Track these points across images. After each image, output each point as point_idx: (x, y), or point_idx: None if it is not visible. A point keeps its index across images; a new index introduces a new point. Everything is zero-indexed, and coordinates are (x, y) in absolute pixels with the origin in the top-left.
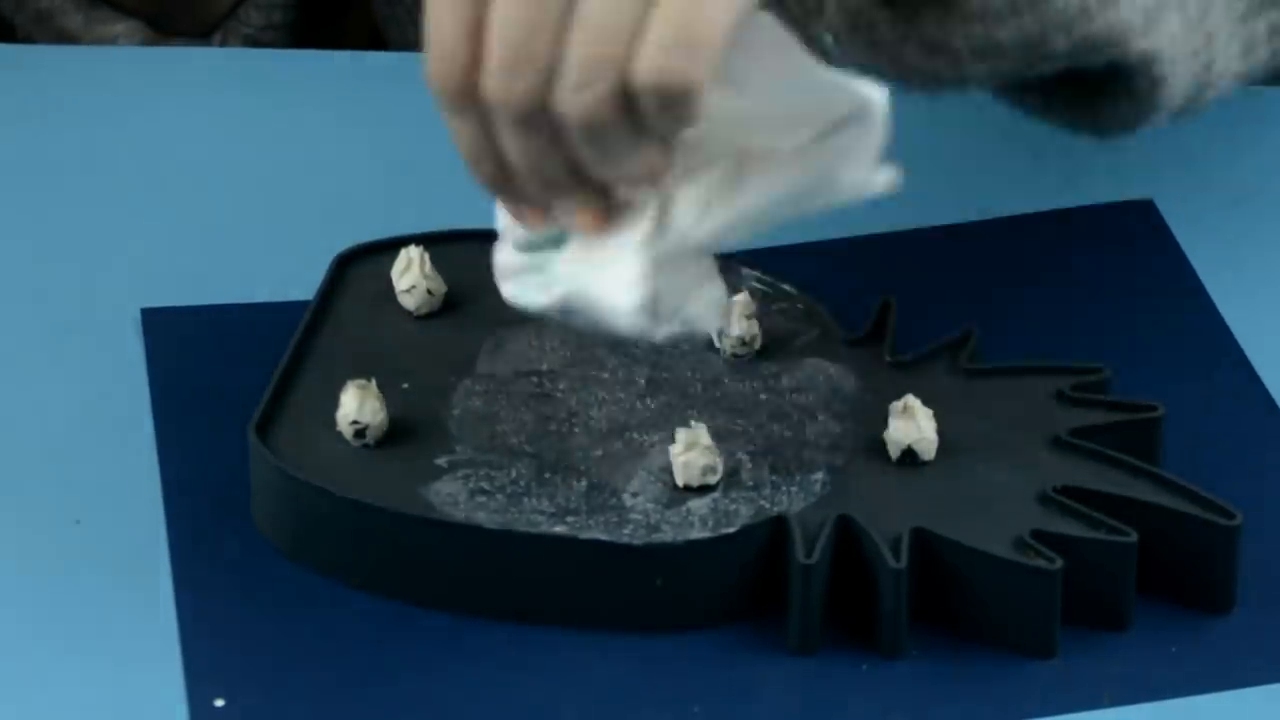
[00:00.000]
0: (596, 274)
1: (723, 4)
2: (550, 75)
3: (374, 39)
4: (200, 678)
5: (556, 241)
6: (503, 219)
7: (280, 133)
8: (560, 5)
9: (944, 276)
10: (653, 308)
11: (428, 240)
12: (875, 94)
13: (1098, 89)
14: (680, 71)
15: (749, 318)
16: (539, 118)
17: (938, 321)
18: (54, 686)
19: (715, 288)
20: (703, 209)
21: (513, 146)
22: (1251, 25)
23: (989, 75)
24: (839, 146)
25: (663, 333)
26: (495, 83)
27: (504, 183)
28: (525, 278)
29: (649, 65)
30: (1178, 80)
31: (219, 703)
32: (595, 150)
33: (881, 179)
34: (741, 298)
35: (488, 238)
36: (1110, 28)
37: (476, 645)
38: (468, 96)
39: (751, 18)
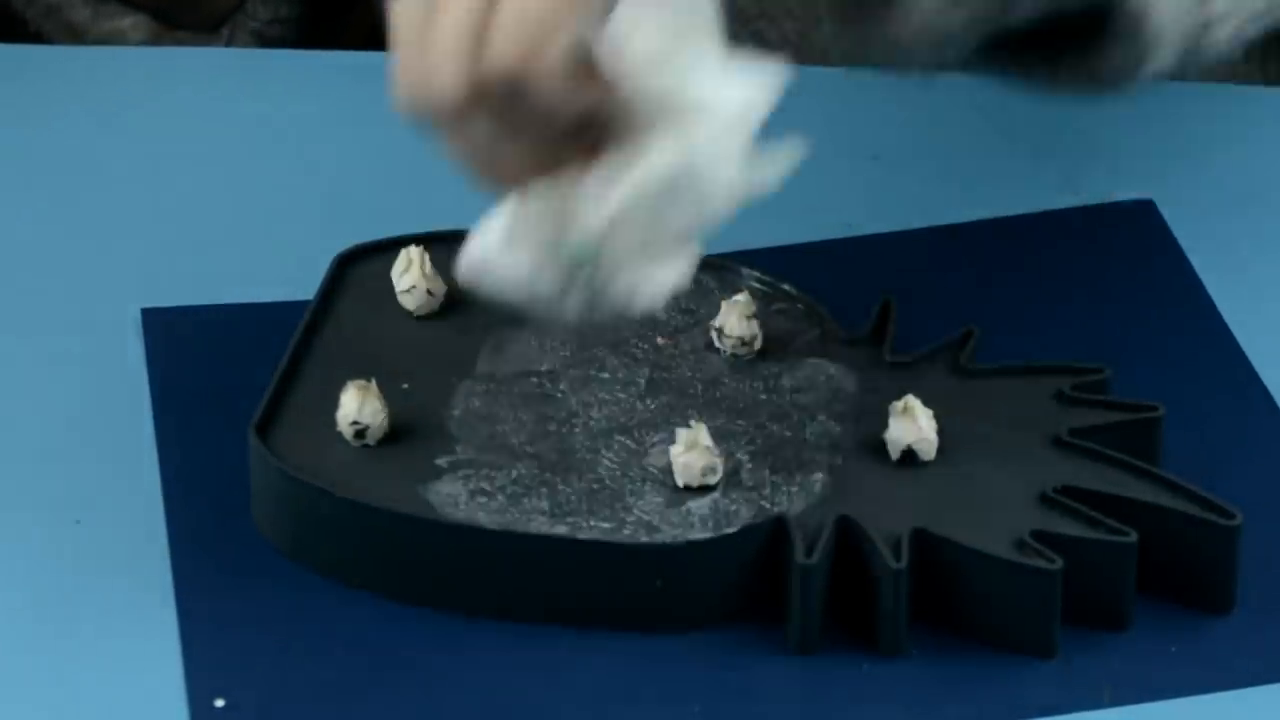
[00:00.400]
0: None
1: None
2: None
3: (376, 34)
4: (200, 678)
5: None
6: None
7: (280, 133)
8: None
9: (944, 276)
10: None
11: (428, 240)
12: (756, 91)
13: (1083, 43)
14: (522, 54)
15: (749, 318)
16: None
17: (938, 321)
18: (54, 686)
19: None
20: (606, 184)
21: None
22: None
23: (965, 31)
24: (718, 144)
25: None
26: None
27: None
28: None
29: (491, 55)
30: (1161, 13)
31: (219, 703)
32: (469, 142)
33: (759, 177)
34: (741, 298)
35: None
36: None
37: (476, 645)
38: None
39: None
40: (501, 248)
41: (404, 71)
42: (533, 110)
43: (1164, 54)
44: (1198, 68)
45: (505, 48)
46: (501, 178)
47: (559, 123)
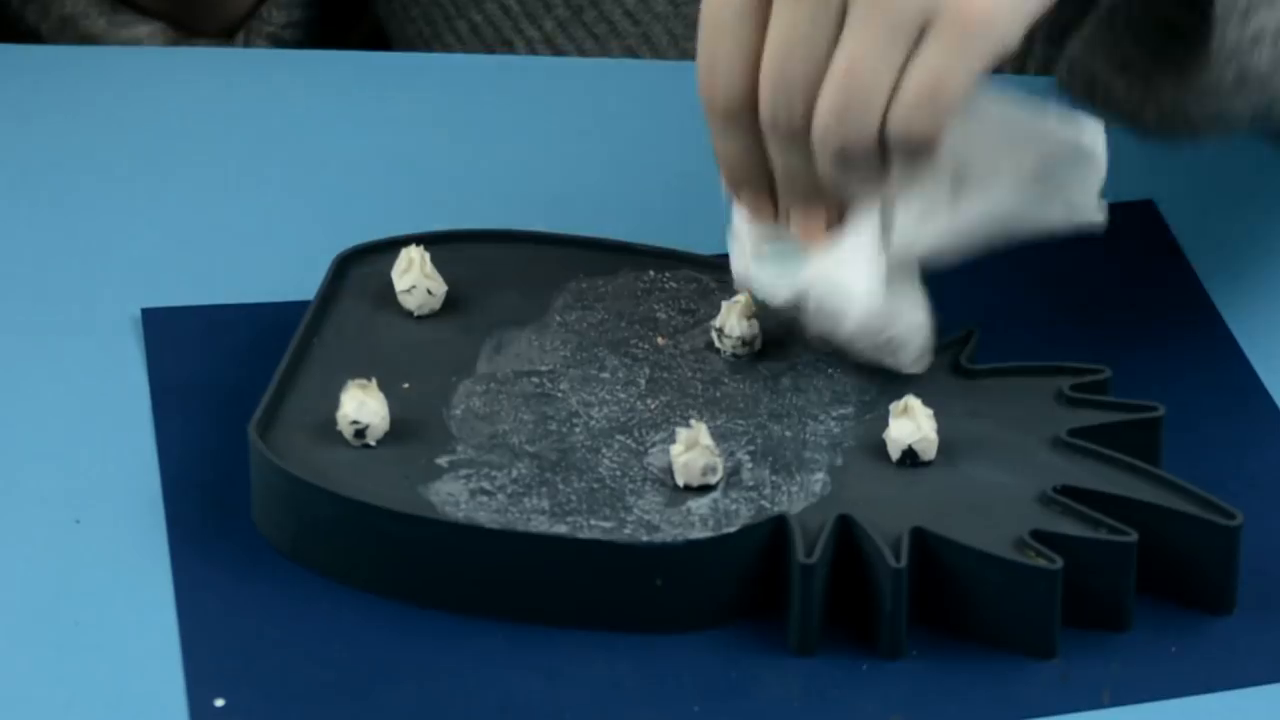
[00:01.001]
0: (835, 275)
1: (970, 65)
2: (814, 103)
3: (379, 35)
4: (200, 678)
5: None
6: (739, 221)
7: (280, 133)
8: (829, 39)
9: (944, 276)
10: (877, 318)
11: (428, 240)
12: (1096, 135)
13: None
14: (924, 125)
15: (749, 318)
16: (801, 139)
17: (938, 322)
18: (54, 686)
19: (920, 313)
20: (921, 221)
21: (775, 160)
22: None
23: (1224, 135)
24: (1055, 178)
25: (871, 346)
26: (767, 108)
27: (752, 187)
28: (766, 273)
29: (898, 117)
30: None
31: (219, 703)
32: (841, 172)
33: (1092, 214)
34: (742, 298)
35: (488, 238)
36: None
37: (476, 645)
38: (734, 114)
39: None
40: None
41: (732, 78)
42: (911, 161)
43: None
44: None
45: (916, 119)
46: (756, 191)
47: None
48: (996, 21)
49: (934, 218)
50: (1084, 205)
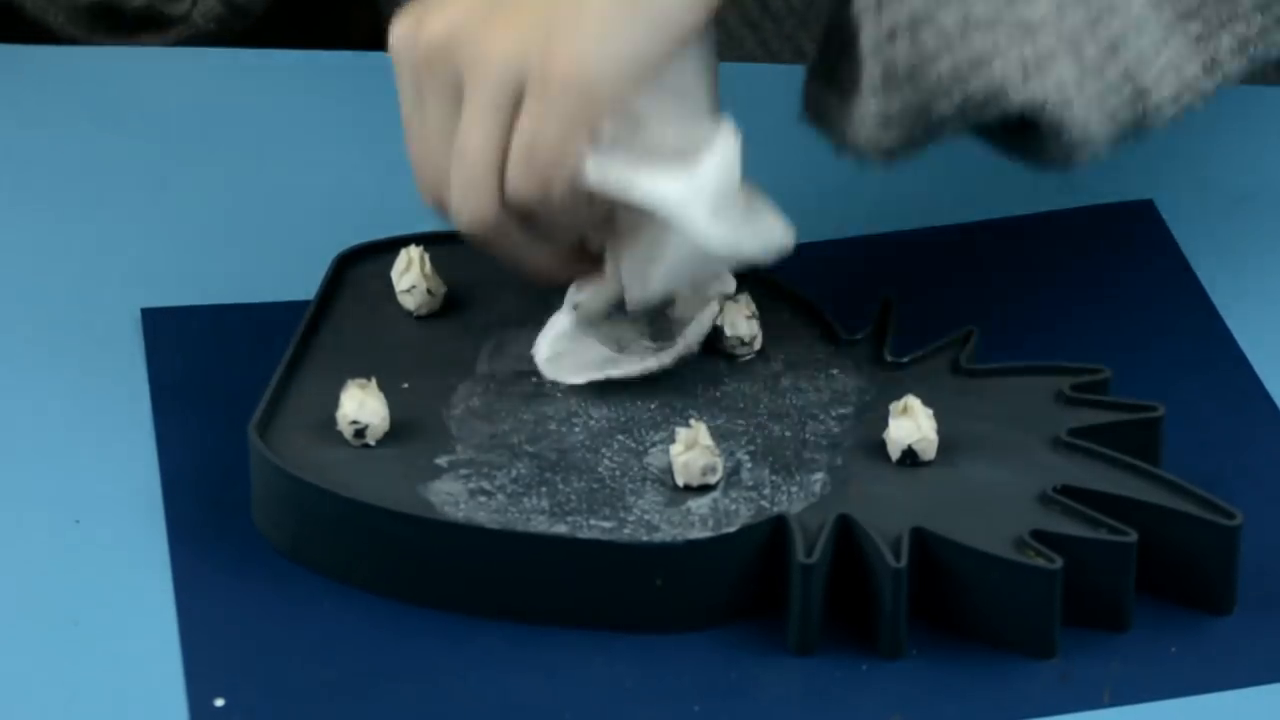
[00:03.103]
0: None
1: (563, 124)
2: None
3: (377, 34)
4: (200, 678)
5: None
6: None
7: (280, 133)
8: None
9: (944, 276)
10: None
11: (428, 240)
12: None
13: (1024, 132)
14: (532, 186)
15: (749, 318)
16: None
17: (938, 321)
18: (54, 686)
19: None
20: (644, 267)
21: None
22: (1210, 44)
23: (905, 140)
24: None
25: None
26: (451, 206)
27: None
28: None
29: (508, 183)
30: (1083, 118)
31: (219, 703)
32: (499, 249)
33: (781, 239)
34: (742, 298)
35: None
36: (988, 85)
37: (476, 645)
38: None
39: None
40: (569, 339)
41: (426, 183)
42: (553, 225)
43: (1096, 147)
44: (1148, 132)
45: (521, 182)
46: (545, 274)
47: (576, 232)
48: (587, 80)
49: (653, 266)
50: (773, 233)
